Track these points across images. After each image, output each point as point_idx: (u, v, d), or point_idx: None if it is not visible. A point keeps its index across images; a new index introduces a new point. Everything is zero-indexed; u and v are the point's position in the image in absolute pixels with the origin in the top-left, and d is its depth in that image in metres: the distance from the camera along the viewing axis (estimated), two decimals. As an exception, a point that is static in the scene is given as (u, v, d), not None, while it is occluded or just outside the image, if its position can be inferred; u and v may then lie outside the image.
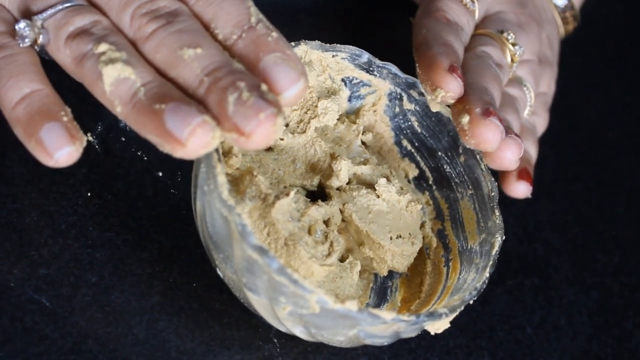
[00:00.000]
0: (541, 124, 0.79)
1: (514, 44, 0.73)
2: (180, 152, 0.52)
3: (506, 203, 0.76)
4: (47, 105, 0.55)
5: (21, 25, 0.57)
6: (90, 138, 0.69)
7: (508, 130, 0.66)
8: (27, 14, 0.58)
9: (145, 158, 0.70)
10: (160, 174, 0.70)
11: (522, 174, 0.72)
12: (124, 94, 0.54)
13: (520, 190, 0.72)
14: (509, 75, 0.73)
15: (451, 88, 0.65)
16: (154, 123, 0.52)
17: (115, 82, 0.54)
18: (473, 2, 0.74)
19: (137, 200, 0.68)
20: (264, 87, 0.53)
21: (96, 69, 0.54)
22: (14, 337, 0.60)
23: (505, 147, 0.66)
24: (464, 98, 0.66)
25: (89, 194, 0.67)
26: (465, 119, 0.64)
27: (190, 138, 0.51)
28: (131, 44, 0.57)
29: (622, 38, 1.05)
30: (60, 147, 0.54)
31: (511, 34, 0.73)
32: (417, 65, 0.68)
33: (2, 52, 0.57)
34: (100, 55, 0.54)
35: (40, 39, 0.57)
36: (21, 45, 0.57)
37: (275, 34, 0.56)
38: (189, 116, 0.52)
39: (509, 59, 0.73)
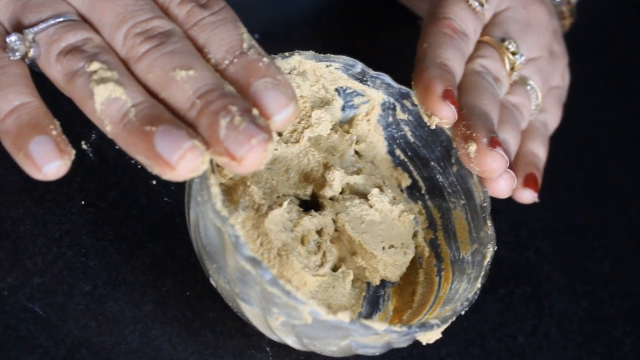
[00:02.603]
0: (552, 120, 0.79)
1: (514, 53, 0.72)
2: (169, 175, 0.52)
3: (499, 211, 0.76)
4: (36, 118, 0.54)
5: (12, 38, 0.56)
6: (85, 146, 0.69)
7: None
8: (19, 27, 0.57)
9: (139, 166, 0.69)
10: (154, 182, 0.69)
11: (527, 181, 0.72)
12: (115, 113, 0.53)
13: (526, 197, 0.72)
14: (507, 88, 0.72)
15: (444, 115, 0.65)
16: (144, 144, 0.52)
17: (106, 102, 0.53)
18: (482, 5, 0.73)
19: (131, 208, 0.68)
20: (255, 111, 0.53)
21: (87, 88, 0.54)
22: (7, 345, 0.59)
23: (500, 177, 0.66)
24: (468, 123, 0.66)
25: (82, 203, 0.66)
26: (472, 148, 0.65)
27: (180, 162, 0.51)
28: (123, 62, 0.56)
29: (615, 46, 1.05)
30: (49, 161, 0.53)
31: (512, 43, 0.72)
32: (412, 83, 0.67)
33: None
34: (92, 74, 0.54)
35: (31, 53, 0.56)
36: (11, 58, 0.56)
37: (266, 59, 0.56)
38: (180, 140, 0.51)
39: (508, 68, 0.72)
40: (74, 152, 0.55)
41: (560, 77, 0.79)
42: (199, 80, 0.54)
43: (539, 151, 0.75)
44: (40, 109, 0.55)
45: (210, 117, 0.52)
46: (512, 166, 0.67)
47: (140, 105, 0.53)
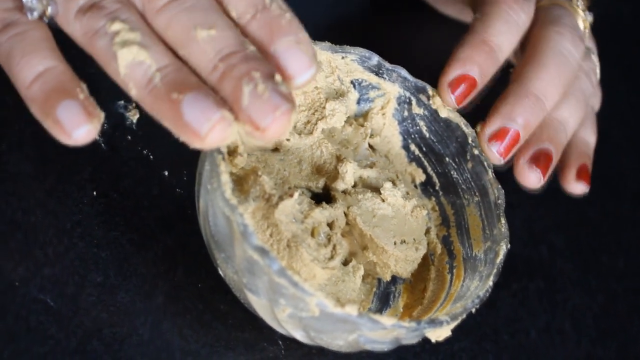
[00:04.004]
0: (596, 102, 0.77)
1: (584, 10, 0.70)
2: (197, 145, 0.50)
3: (512, 206, 0.74)
4: (62, 83, 0.52)
5: None
6: (97, 136, 0.67)
7: (541, 154, 0.65)
8: None
9: (151, 157, 0.68)
10: (166, 173, 0.68)
11: (581, 173, 0.70)
12: (140, 78, 0.51)
13: (578, 189, 0.71)
14: (584, 49, 0.70)
15: (446, 102, 0.65)
16: (171, 113, 0.50)
17: (130, 65, 0.51)
18: None
19: (143, 199, 0.66)
20: (277, 77, 0.51)
21: (110, 50, 0.52)
22: (18, 336, 0.58)
23: (527, 172, 0.65)
24: (496, 106, 0.65)
25: (94, 193, 0.65)
26: (478, 128, 0.65)
27: (210, 134, 0.50)
28: (141, 15, 0.54)
29: (628, 39, 1.03)
30: (77, 126, 0.51)
31: (580, 1, 0.70)
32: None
33: (13, 30, 0.54)
34: (114, 35, 0.52)
35: (49, 11, 0.54)
36: (29, 17, 0.54)
37: (288, 15, 0.53)
38: (208, 110, 0.50)
39: (582, 27, 0.70)
40: (103, 114, 0.53)
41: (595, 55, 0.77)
42: (220, 41, 0.52)
43: (591, 138, 0.73)
44: (66, 72, 0.53)
45: (233, 83, 0.51)
46: (549, 158, 0.66)
47: (165, 69, 0.51)
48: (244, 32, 0.53)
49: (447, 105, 0.65)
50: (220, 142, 0.50)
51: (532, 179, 0.65)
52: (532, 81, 0.65)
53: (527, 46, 0.68)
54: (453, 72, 0.64)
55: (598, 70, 0.72)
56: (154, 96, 0.51)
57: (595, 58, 0.72)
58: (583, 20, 0.70)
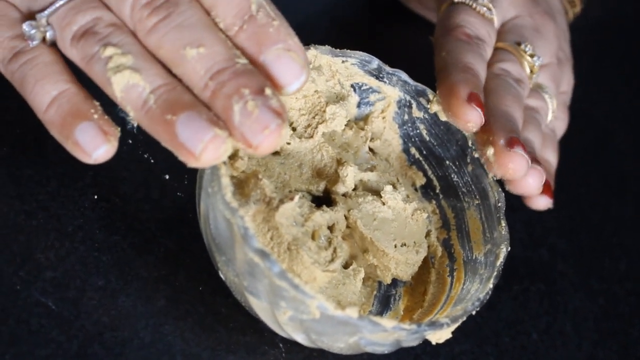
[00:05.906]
0: (561, 126, 0.77)
1: (532, 55, 0.71)
2: (194, 164, 0.51)
3: (513, 208, 0.74)
4: (76, 105, 0.54)
5: (25, 27, 0.55)
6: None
7: (530, 157, 0.65)
8: (31, 12, 0.56)
9: (152, 161, 0.68)
10: (167, 177, 0.68)
11: (543, 187, 0.70)
12: (135, 100, 0.52)
13: (541, 203, 0.71)
14: (529, 89, 0.71)
15: (471, 119, 0.63)
16: (167, 134, 0.51)
17: (125, 89, 0.52)
18: (490, 10, 0.71)
19: (144, 203, 0.66)
20: (268, 91, 0.51)
21: (105, 75, 0.53)
22: (19, 339, 0.58)
23: (527, 175, 0.64)
24: (487, 127, 0.64)
25: (95, 197, 0.65)
26: (490, 152, 0.63)
27: (204, 153, 0.51)
28: (134, 34, 0.54)
29: (631, 41, 1.03)
30: (96, 147, 0.54)
31: (528, 46, 0.71)
32: (437, 92, 0.66)
33: (23, 57, 0.55)
34: (108, 60, 0.53)
35: (48, 36, 0.55)
36: (30, 45, 0.55)
37: (276, 22, 0.53)
38: (201, 131, 0.50)
39: (528, 71, 0.71)
40: (118, 129, 0.54)
41: (567, 82, 0.78)
42: (210, 58, 0.52)
43: (551, 158, 0.74)
44: (79, 94, 0.55)
45: (224, 101, 0.51)
46: (539, 161, 0.66)
47: (159, 90, 0.52)
48: (233, 43, 0.54)
49: (470, 123, 0.63)
50: (215, 160, 0.51)
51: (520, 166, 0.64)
52: (499, 107, 0.66)
53: None
54: (464, 89, 0.63)
55: (550, 107, 0.73)
56: (150, 118, 0.52)
57: (547, 96, 0.73)
58: (529, 64, 0.70)
